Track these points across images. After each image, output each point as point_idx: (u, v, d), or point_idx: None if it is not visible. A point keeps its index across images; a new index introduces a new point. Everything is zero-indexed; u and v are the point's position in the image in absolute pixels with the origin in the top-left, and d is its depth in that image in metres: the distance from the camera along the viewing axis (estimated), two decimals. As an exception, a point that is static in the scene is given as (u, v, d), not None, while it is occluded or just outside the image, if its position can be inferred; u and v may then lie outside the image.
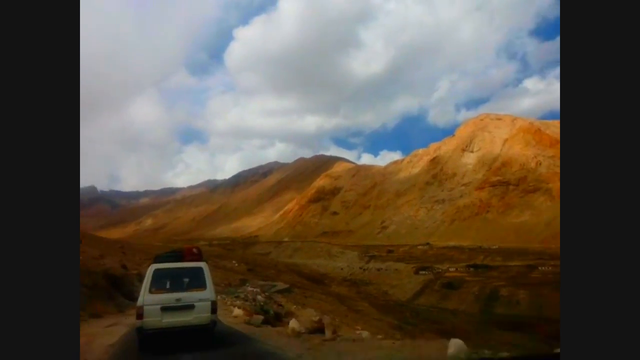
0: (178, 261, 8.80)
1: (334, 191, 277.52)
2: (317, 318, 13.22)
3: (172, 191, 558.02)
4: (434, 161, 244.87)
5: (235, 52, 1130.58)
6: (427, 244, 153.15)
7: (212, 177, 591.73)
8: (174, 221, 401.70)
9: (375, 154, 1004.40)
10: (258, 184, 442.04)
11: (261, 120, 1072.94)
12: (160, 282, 8.20)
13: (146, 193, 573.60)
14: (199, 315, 8.03)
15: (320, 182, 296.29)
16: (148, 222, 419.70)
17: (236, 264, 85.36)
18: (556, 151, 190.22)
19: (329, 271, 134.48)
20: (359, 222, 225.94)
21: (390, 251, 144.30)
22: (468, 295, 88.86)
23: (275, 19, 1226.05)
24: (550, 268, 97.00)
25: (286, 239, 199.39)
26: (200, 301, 8.10)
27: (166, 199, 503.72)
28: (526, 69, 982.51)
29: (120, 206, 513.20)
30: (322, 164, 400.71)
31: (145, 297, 7.87)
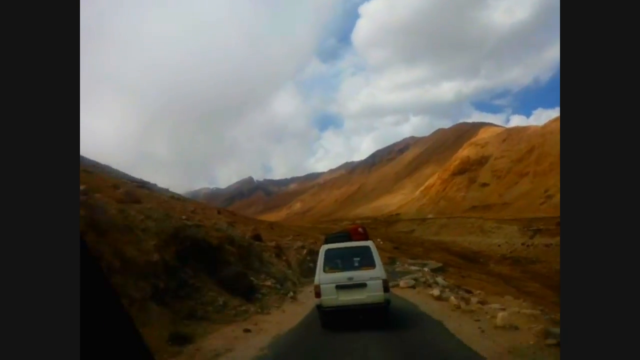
0: (346, 241, 8.96)
1: (482, 160, 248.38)
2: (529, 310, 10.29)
3: (315, 176, 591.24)
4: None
5: (362, 30, 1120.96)
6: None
7: (349, 160, 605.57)
8: (319, 204, 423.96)
9: (528, 115, 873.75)
10: (395, 162, 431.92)
11: (393, 96, 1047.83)
12: (332, 262, 8.56)
13: (293, 180, 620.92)
14: (373, 294, 8.07)
15: (464, 151, 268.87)
16: (297, 205, 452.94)
17: (381, 242, 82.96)
18: None
19: (483, 249, 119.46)
20: (516, 192, 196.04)
21: (559, 223, 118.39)
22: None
23: None
24: None
25: (430, 216, 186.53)
26: (372, 279, 8.14)
27: (311, 184, 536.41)
28: None
29: (273, 193, 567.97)
30: (464, 132, 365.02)
31: (321, 276, 8.28)
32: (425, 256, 68.23)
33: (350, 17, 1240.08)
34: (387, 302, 8.24)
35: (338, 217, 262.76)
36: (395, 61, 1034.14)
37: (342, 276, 8.21)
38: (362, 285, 8.07)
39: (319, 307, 8.27)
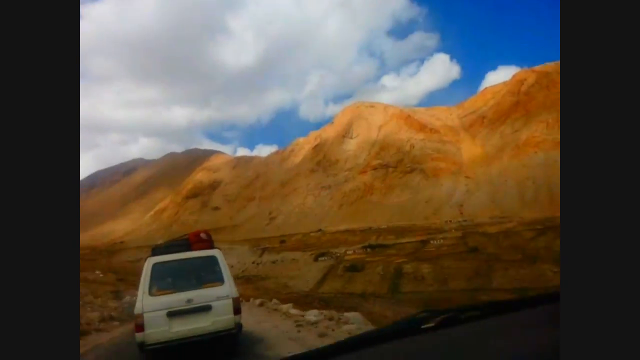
0: (183, 251, 6.81)
1: (214, 185, 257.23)
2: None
3: None
4: (317, 149, 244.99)
5: (82, 32, 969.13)
6: (320, 230, 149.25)
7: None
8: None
9: (251, 148, 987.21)
10: (120, 184, 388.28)
11: (120, 113, 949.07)
12: (162, 281, 6.47)
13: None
14: (219, 319, 6.21)
15: (197, 175, 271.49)
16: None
17: (101, 275, 69.35)
18: (425, 134, 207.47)
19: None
20: (245, 215, 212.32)
21: (282, 241, 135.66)
22: (374, 276, 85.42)
23: None
24: (441, 241, 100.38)
25: (161, 242, 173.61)
26: (219, 299, 6.30)
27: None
28: (384, 67, 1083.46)
29: None
30: (196, 158, 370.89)
31: (145, 301, 6.04)
32: None
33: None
34: (239, 327, 6.40)
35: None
36: (123, 76, 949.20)
37: (177, 299, 6.13)
38: (205, 309, 6.14)
39: (140, 346, 5.90)
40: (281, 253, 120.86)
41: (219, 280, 6.47)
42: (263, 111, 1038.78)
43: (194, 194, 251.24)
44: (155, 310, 6.00)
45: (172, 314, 6.01)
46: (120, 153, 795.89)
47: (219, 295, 6.30)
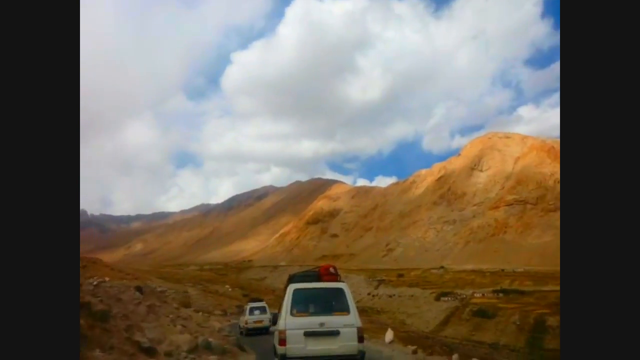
0: (314, 281, 7.81)
1: (333, 213, 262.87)
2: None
3: (164, 215, 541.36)
4: (440, 181, 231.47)
5: (232, 76, 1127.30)
6: (442, 267, 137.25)
7: (205, 202, 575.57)
8: (165, 246, 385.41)
9: (371, 179, 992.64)
10: (252, 208, 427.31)
11: (257, 145, 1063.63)
12: (300, 305, 7.49)
13: (138, 217, 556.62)
14: (346, 344, 7.12)
15: (319, 203, 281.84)
16: (138, 246, 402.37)
17: (230, 289, 75.24)
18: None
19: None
20: (361, 244, 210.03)
21: (400, 275, 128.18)
22: (508, 326, 72.99)
23: (274, 44, 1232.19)
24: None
25: (283, 263, 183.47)
26: (346, 327, 7.20)
27: (157, 224, 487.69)
28: (520, 97, 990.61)
29: (110, 230, 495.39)
30: (319, 186, 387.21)
31: (288, 320, 7.20)
32: (276, 305, 64.92)
33: (224, 61, 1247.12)
34: (362, 354, 7.13)
35: (184, 261, 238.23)
36: (262, 112, 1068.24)
37: (312, 321, 7.12)
38: (334, 333, 7.05)
39: (282, 358, 7.00)
40: (399, 288, 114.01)
41: (346, 310, 7.28)
42: (384, 143, 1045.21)
43: (314, 221, 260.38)
44: (295, 328, 7.02)
45: (308, 334, 7.00)
46: (254, 180, 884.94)
47: (346, 323, 7.12)
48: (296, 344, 6.92)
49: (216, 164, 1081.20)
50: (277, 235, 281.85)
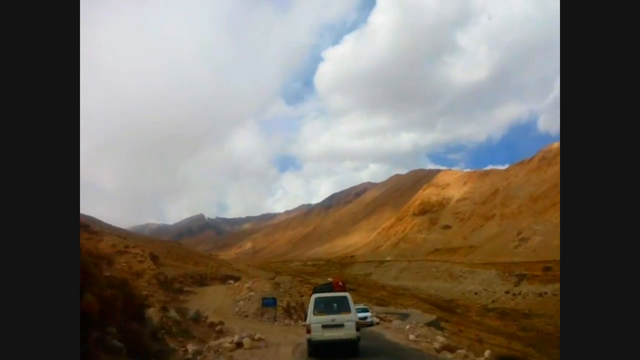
0: (329, 291, 13.39)
1: (443, 202, 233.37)
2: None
3: (271, 216, 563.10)
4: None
5: (325, 75, 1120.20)
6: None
7: (307, 202, 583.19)
8: (272, 244, 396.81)
9: (479, 169, 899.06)
10: (352, 204, 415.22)
11: (353, 142, 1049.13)
12: (320, 307, 12.39)
13: (248, 219, 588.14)
14: (348, 332, 11.96)
15: (425, 192, 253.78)
16: (248, 245, 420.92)
17: (331, 280, 61.40)
18: None
19: (456, 296, 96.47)
20: (482, 235, 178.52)
21: (547, 268, 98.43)
22: None
23: (366, 35, 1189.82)
24: None
25: (388, 258, 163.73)
26: (348, 321, 12.05)
27: (265, 224, 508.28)
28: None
29: (225, 232, 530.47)
30: (421, 177, 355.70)
31: (311, 318, 12.12)
32: (394, 302, 58.65)
33: (317, 61, 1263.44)
34: (358, 338, 12.21)
35: (290, 258, 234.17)
36: (356, 108, 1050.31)
37: (326, 318, 11.98)
38: (340, 325, 11.89)
39: (309, 340, 12.15)
40: (549, 284, 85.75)
41: (348, 310, 12.20)
42: (493, 128, 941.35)
43: (421, 212, 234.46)
44: (316, 323, 11.93)
45: (324, 326, 11.86)
46: (352, 178, 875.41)
47: (348, 319, 12.00)
48: (317, 332, 11.88)
49: (315, 165, 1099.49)
50: (379, 229, 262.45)
